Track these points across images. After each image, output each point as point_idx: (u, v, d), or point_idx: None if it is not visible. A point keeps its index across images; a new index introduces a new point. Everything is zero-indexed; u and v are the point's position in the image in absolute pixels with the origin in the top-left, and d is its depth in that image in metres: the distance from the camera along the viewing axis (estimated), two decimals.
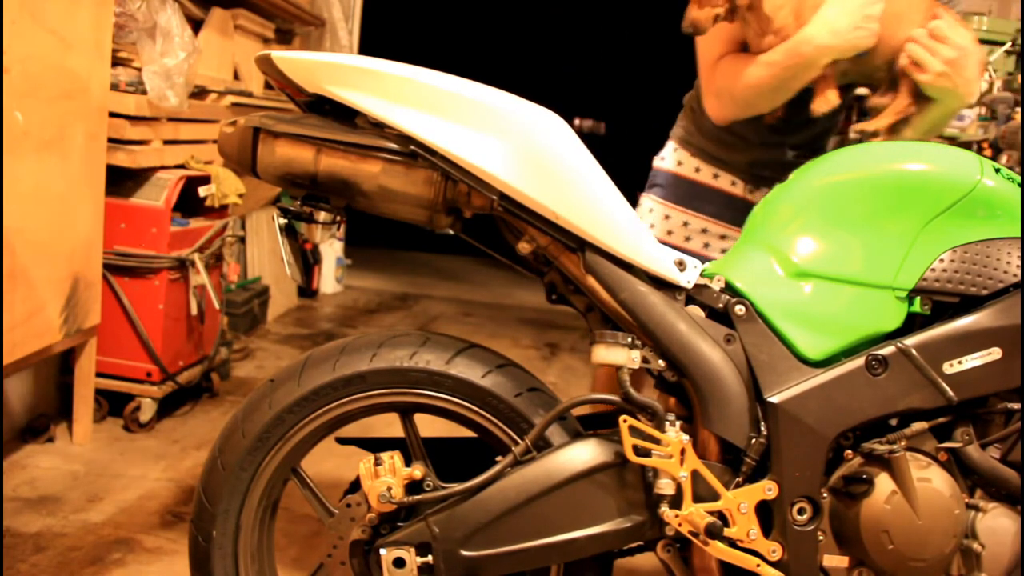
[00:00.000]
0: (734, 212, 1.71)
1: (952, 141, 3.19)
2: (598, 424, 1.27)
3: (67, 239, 2.17)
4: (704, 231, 1.75)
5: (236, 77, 3.38)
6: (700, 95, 1.66)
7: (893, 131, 1.46)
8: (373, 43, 4.34)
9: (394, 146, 1.14)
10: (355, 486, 1.23)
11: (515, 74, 3.82)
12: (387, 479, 1.18)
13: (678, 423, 1.15)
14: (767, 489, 1.14)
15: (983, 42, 3.27)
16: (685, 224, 1.75)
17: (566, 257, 1.19)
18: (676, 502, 1.14)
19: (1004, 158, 2.74)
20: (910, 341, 1.15)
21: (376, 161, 1.15)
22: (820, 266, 1.19)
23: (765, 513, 1.16)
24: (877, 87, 1.51)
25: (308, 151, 1.15)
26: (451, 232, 1.28)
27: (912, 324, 1.18)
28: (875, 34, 1.38)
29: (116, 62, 2.44)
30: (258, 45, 3.55)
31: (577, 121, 8.53)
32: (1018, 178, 1.20)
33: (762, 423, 1.16)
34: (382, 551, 1.17)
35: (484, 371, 1.22)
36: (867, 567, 1.17)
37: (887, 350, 1.15)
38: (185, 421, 2.73)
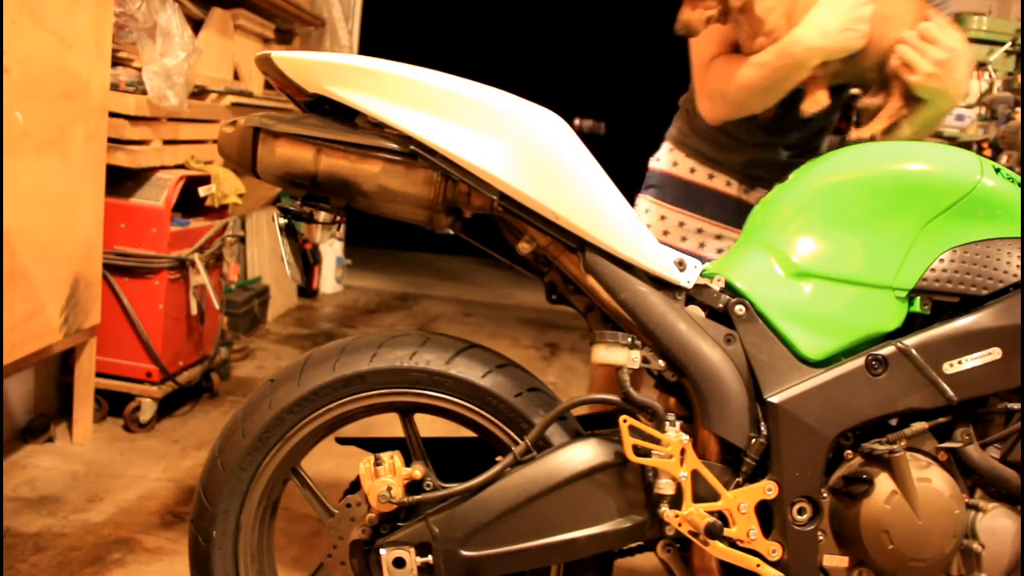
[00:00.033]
0: (729, 212, 1.72)
1: (952, 141, 3.19)
2: (598, 424, 1.27)
3: (67, 239, 2.17)
4: (700, 231, 1.76)
5: (236, 77, 3.38)
6: (694, 96, 1.66)
7: (885, 132, 1.46)
8: (373, 43, 4.34)
9: (394, 146, 1.14)
10: (355, 486, 1.23)
11: (515, 74, 3.82)
12: (387, 479, 1.18)
13: (678, 423, 1.15)
14: (767, 489, 1.14)
15: (983, 42, 3.28)
16: (681, 224, 1.76)
17: (566, 257, 1.19)
18: (676, 502, 1.14)
19: (1004, 158, 2.74)
20: (910, 341, 1.15)
21: (376, 161, 1.15)
22: (820, 266, 1.19)
23: (765, 513, 1.16)
24: (868, 88, 1.51)
25: (308, 151, 1.15)
26: (451, 232, 1.29)
27: (912, 324, 1.18)
28: (865, 36, 1.39)
29: (116, 62, 2.44)
30: (258, 45, 3.55)
31: (577, 121, 8.53)
32: (1018, 178, 1.20)
33: (762, 423, 1.16)
34: (382, 551, 1.17)
35: (484, 371, 1.22)
36: (867, 567, 1.17)
37: (887, 350, 1.15)
38: (185, 421, 2.73)
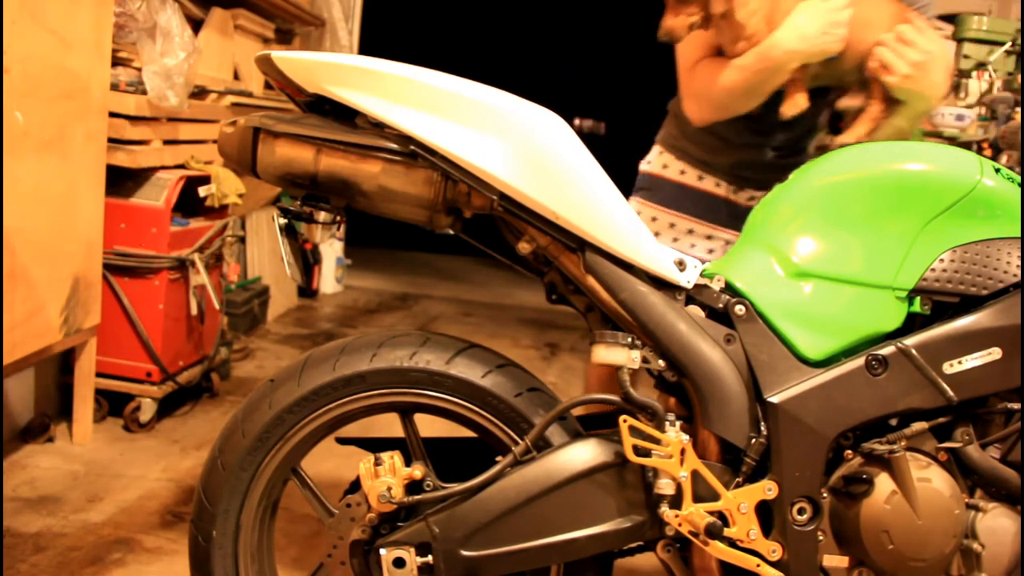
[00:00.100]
0: (719, 213, 1.75)
1: (952, 141, 3.18)
2: (598, 424, 1.27)
3: (67, 239, 2.17)
4: (690, 232, 1.78)
5: (236, 77, 3.38)
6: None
7: (867, 135, 1.48)
8: (373, 43, 4.34)
9: (394, 146, 1.14)
10: (355, 486, 1.23)
11: (515, 74, 3.82)
12: (387, 479, 1.18)
13: (678, 423, 1.15)
14: (767, 489, 1.14)
15: (983, 42, 3.28)
16: (672, 225, 1.78)
17: (566, 257, 1.19)
18: (676, 502, 1.14)
19: (1004, 158, 2.74)
20: (910, 341, 1.15)
21: (376, 161, 1.15)
22: (820, 266, 1.19)
23: (765, 513, 1.16)
24: (849, 90, 1.53)
25: (308, 151, 1.15)
26: (451, 232, 1.29)
27: (912, 324, 1.18)
28: (843, 39, 1.41)
29: (116, 62, 2.44)
30: (258, 45, 3.55)
31: (577, 121, 8.52)
32: (1018, 178, 1.20)
33: (762, 423, 1.16)
34: (382, 551, 1.17)
35: (484, 371, 1.22)
36: (867, 567, 1.17)
37: (887, 350, 1.15)
38: (185, 421, 2.73)
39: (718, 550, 1.13)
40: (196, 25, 2.95)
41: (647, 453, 1.13)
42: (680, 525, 1.13)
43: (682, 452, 1.13)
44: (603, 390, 1.80)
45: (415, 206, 1.18)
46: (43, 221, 2.05)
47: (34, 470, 2.25)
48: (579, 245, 1.17)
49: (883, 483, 1.14)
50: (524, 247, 1.20)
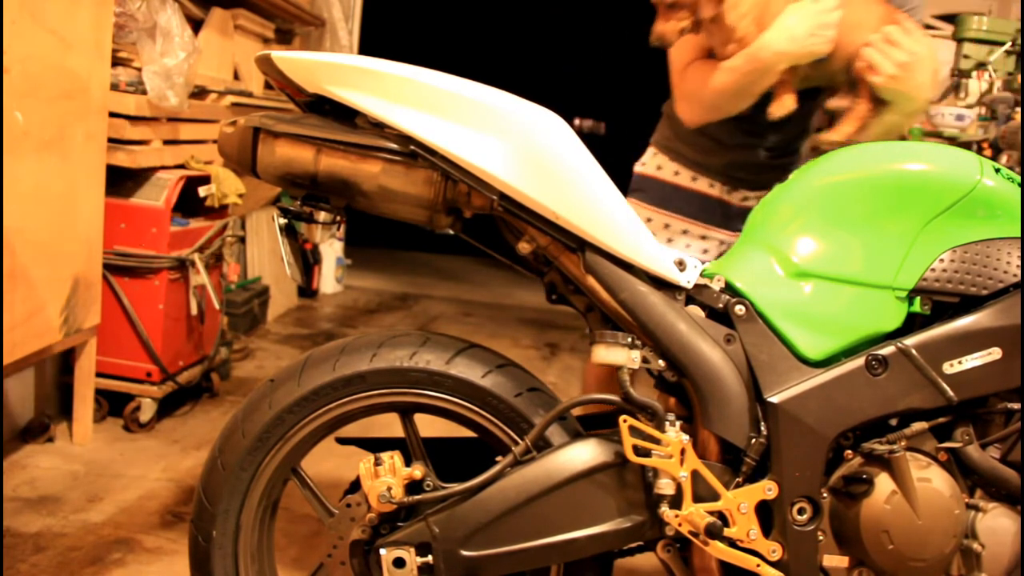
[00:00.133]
0: (713, 213, 1.77)
1: (952, 141, 3.18)
2: (598, 424, 1.27)
3: (67, 239, 2.17)
4: (685, 232, 1.79)
5: (236, 77, 3.38)
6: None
7: (854, 135, 1.50)
8: (373, 43, 4.34)
9: (394, 146, 1.14)
10: (355, 486, 1.23)
11: (515, 74, 3.82)
12: (387, 479, 1.18)
13: (678, 423, 1.15)
14: (767, 489, 1.14)
15: (983, 42, 3.28)
16: (667, 226, 1.78)
17: (566, 257, 1.19)
18: (676, 502, 1.14)
19: (1004, 158, 2.74)
20: (910, 341, 1.15)
21: (376, 161, 1.15)
22: (820, 266, 1.19)
23: (765, 513, 1.16)
24: (839, 91, 1.54)
25: (308, 151, 1.15)
26: (451, 232, 1.29)
27: (912, 324, 1.18)
28: (831, 41, 1.43)
29: (116, 62, 2.44)
30: (258, 45, 3.55)
31: (577, 121, 8.52)
32: (1018, 178, 1.20)
33: (762, 423, 1.16)
34: (382, 551, 1.17)
35: (484, 371, 1.22)
36: (867, 567, 1.17)
37: (887, 350, 1.15)
38: (185, 421, 2.73)
39: (718, 550, 1.13)
40: (196, 25, 2.95)
41: (647, 453, 1.13)
42: (680, 525, 1.13)
43: (682, 452, 1.13)
44: (601, 390, 1.81)
45: (415, 206, 1.18)
46: (43, 221, 2.05)
47: (34, 470, 2.25)
48: (579, 245, 1.17)
49: (883, 483, 1.14)
50: (524, 247, 1.20)
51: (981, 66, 3.32)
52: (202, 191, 2.74)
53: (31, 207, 1.98)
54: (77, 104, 2.13)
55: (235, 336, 3.43)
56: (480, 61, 4.71)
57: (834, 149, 1.48)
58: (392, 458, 1.20)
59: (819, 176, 1.24)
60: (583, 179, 1.14)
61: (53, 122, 2.03)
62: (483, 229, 1.28)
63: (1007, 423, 1.18)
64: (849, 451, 1.17)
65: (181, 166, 2.74)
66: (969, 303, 1.17)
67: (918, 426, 1.15)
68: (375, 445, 1.27)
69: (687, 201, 1.78)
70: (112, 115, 2.36)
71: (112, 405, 2.58)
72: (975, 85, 3.39)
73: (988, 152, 2.93)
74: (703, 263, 1.24)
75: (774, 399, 1.15)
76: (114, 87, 2.38)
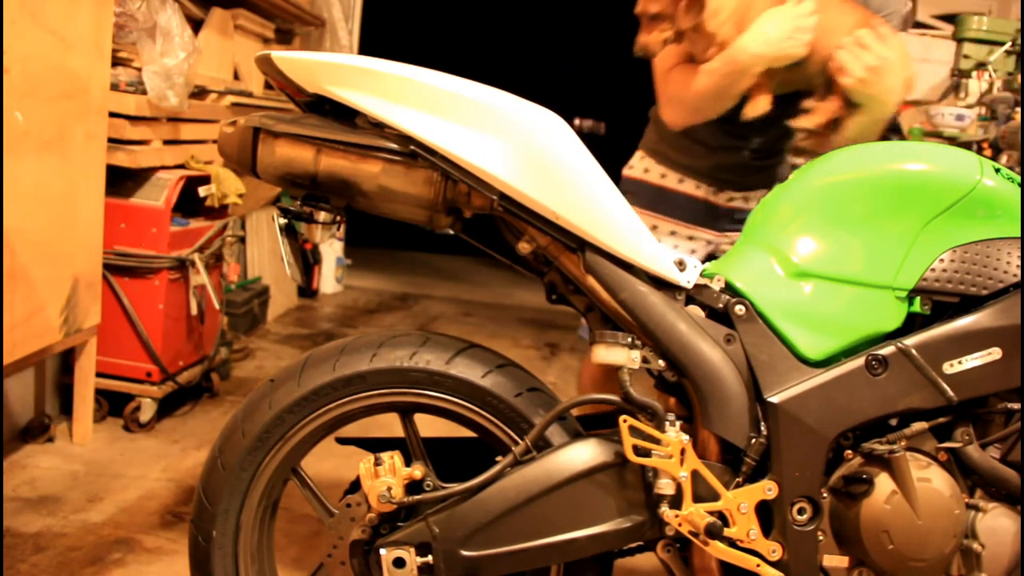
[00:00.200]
0: (699, 214, 1.81)
1: (952, 141, 3.18)
2: (598, 424, 1.27)
3: (67, 239, 2.17)
4: (673, 233, 1.82)
5: (236, 77, 3.38)
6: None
7: (826, 135, 1.54)
8: (373, 43, 4.34)
9: (394, 146, 1.14)
10: (355, 486, 1.23)
11: (515, 74, 3.82)
12: (387, 479, 1.18)
13: (678, 423, 1.15)
14: (767, 489, 1.14)
15: (983, 42, 3.28)
16: (654, 228, 1.82)
17: (566, 257, 1.19)
18: (676, 502, 1.14)
19: (1004, 158, 2.75)
20: (910, 341, 1.15)
21: (376, 161, 1.15)
22: (820, 266, 1.19)
23: (765, 513, 1.16)
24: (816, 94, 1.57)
25: (308, 151, 1.15)
26: (451, 232, 1.29)
27: (912, 324, 1.18)
28: (807, 44, 1.46)
29: (116, 62, 2.43)
30: (258, 45, 3.55)
31: (577, 121, 8.53)
32: (1018, 178, 1.20)
33: (762, 423, 1.16)
34: (382, 551, 1.17)
35: (484, 371, 1.22)
36: (867, 567, 1.17)
37: (887, 350, 1.15)
38: (185, 421, 2.73)
39: (718, 550, 1.13)
40: (196, 25, 2.95)
41: (647, 453, 1.13)
42: (680, 525, 1.13)
43: (682, 452, 1.13)
44: (597, 390, 1.83)
45: (415, 206, 1.18)
46: (43, 221, 2.05)
47: (34, 470, 2.25)
48: (579, 245, 1.17)
49: (883, 483, 1.14)
50: (524, 247, 1.20)
51: (981, 66, 3.32)
52: (202, 191, 2.74)
53: (31, 207, 1.98)
54: (77, 104, 2.13)
55: (235, 336, 3.43)
56: (480, 61, 4.71)
57: (807, 137, 1.58)
58: (392, 458, 1.20)
59: (819, 176, 1.24)
60: (583, 179, 1.14)
61: (53, 122, 2.03)
62: (483, 229, 1.28)
63: (1007, 423, 1.18)
64: (849, 451, 1.17)
65: (181, 166, 2.74)
66: (969, 303, 1.17)
67: (918, 426, 1.15)
68: (375, 445, 1.27)
69: (674, 203, 1.81)
70: (112, 115, 2.36)
71: (112, 405, 2.58)
72: (975, 85, 3.39)
73: (988, 152, 2.93)
74: (708, 263, 1.24)
75: (774, 399, 1.15)
76: (114, 87, 2.38)
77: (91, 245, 2.29)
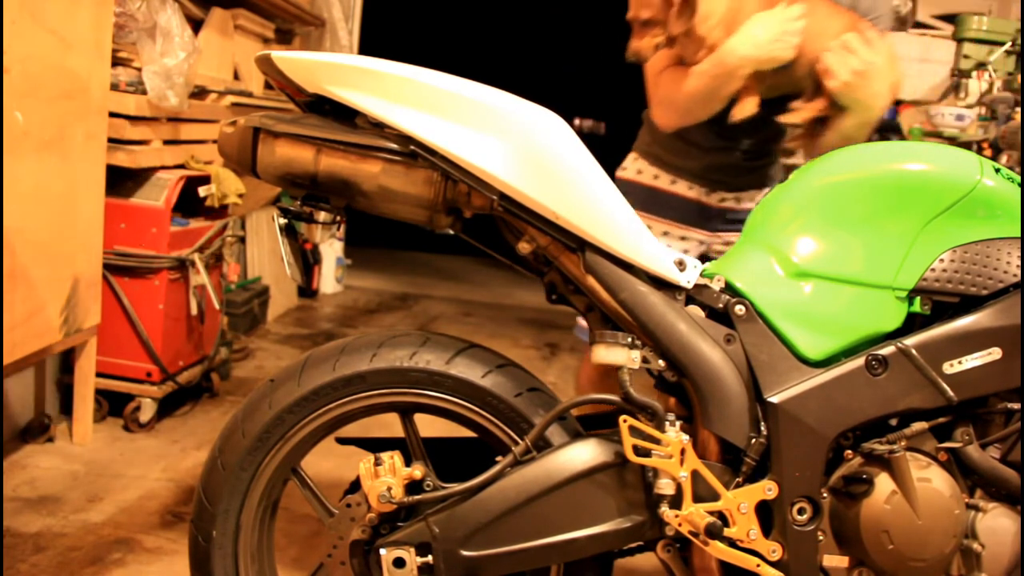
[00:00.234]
0: (691, 215, 1.82)
1: (952, 141, 3.18)
2: (598, 424, 1.27)
3: (67, 239, 2.17)
4: (665, 234, 1.83)
5: (236, 77, 3.38)
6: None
7: (814, 136, 1.57)
8: (373, 43, 4.34)
9: (394, 146, 1.14)
10: (355, 486, 1.23)
11: (515, 74, 3.82)
12: (387, 479, 1.18)
13: (678, 423, 1.15)
14: (767, 489, 1.14)
15: (983, 42, 3.28)
16: (647, 228, 1.81)
17: (566, 257, 1.19)
18: (676, 502, 1.14)
19: (1004, 158, 2.75)
20: (910, 341, 1.15)
21: (376, 161, 1.15)
22: (820, 266, 1.19)
23: (765, 513, 1.16)
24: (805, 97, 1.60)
25: (308, 151, 1.15)
26: (451, 232, 1.29)
27: (912, 324, 1.18)
28: (794, 48, 1.48)
29: (116, 62, 2.44)
30: (258, 45, 3.55)
31: (577, 121, 8.52)
32: (1018, 178, 1.20)
33: (762, 423, 1.16)
34: (382, 551, 1.17)
35: (484, 371, 1.22)
36: (867, 567, 1.17)
37: (887, 350, 1.15)
38: (185, 421, 2.73)
39: (718, 550, 1.13)
40: (196, 25, 2.95)
41: (647, 453, 1.13)
42: (680, 525, 1.13)
43: (682, 452, 1.13)
44: (594, 390, 1.83)
45: (415, 206, 1.18)
46: (43, 221, 2.05)
47: (34, 470, 2.25)
48: (579, 245, 1.17)
49: (883, 483, 1.14)
50: (524, 247, 1.20)
51: (981, 66, 3.32)
52: (202, 191, 2.74)
53: (31, 207, 1.98)
54: (77, 104, 2.13)
55: (235, 336, 3.43)
56: (480, 61, 4.71)
57: (796, 137, 1.62)
58: (392, 458, 1.20)
59: (819, 176, 1.24)
60: (583, 179, 1.14)
61: (53, 122, 2.03)
62: (483, 229, 1.28)
63: (1007, 423, 1.18)
64: (849, 451, 1.17)
65: (181, 166, 2.74)
66: (969, 303, 1.17)
67: (918, 426, 1.15)
68: (375, 445, 1.27)
69: (667, 204, 1.83)
70: (112, 115, 2.36)
71: (112, 405, 2.58)
72: (975, 85, 3.39)
73: (988, 152, 2.93)
74: (708, 263, 1.24)
75: (774, 399, 1.15)
76: (114, 87, 2.38)
77: (91, 245, 2.29)
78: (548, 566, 1.24)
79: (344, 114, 1.17)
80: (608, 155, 1.90)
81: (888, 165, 1.21)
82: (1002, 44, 3.29)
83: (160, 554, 1.91)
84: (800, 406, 1.14)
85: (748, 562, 1.14)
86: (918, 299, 1.18)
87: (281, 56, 1.16)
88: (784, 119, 1.57)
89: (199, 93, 2.91)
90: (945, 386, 1.14)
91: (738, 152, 1.76)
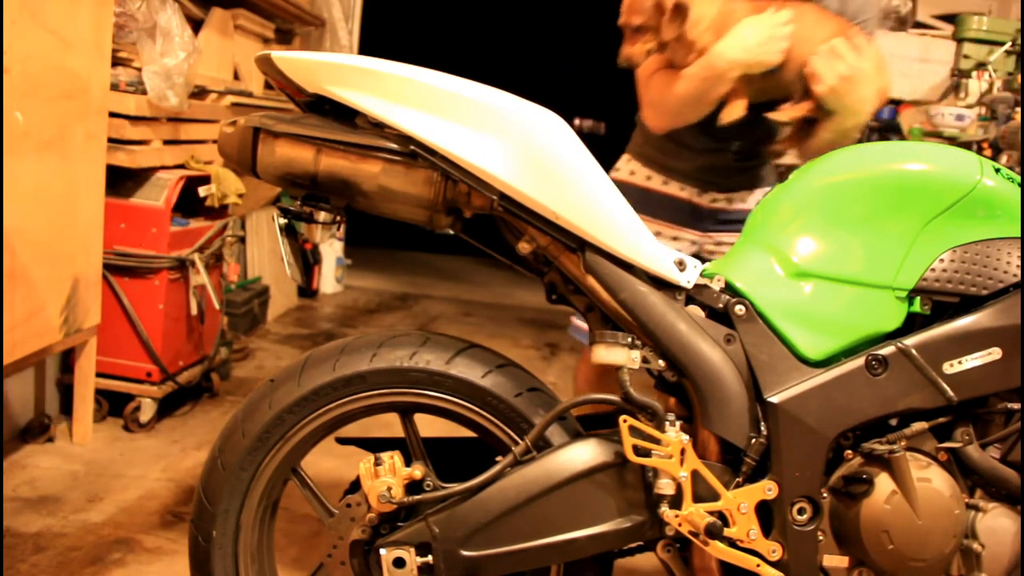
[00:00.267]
0: (683, 215, 1.83)
1: (952, 141, 3.18)
2: (598, 424, 1.27)
3: (67, 239, 2.17)
4: (658, 234, 1.84)
5: (236, 77, 3.38)
6: None
7: (802, 137, 1.59)
8: (373, 43, 4.34)
9: (394, 146, 1.14)
10: (355, 486, 1.23)
11: (515, 74, 3.82)
12: (387, 479, 1.18)
13: (678, 423, 1.15)
14: (767, 489, 1.14)
15: (983, 42, 3.28)
16: None
17: (566, 257, 1.19)
18: (676, 502, 1.14)
19: (1004, 158, 2.74)
20: (910, 341, 1.15)
21: (376, 161, 1.15)
22: (820, 266, 1.19)
23: (765, 513, 1.16)
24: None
25: (308, 151, 1.15)
26: (451, 232, 1.29)
27: (912, 324, 1.18)
28: (782, 52, 1.50)
29: (116, 62, 2.44)
30: (258, 45, 3.55)
31: (577, 121, 8.52)
32: (1018, 178, 1.20)
33: (762, 423, 1.16)
34: (382, 551, 1.17)
35: (484, 371, 1.22)
36: (867, 567, 1.17)
37: (887, 350, 1.15)
38: (185, 421, 2.73)
39: (718, 550, 1.13)
40: (196, 25, 2.95)
41: (647, 453, 1.13)
42: (680, 525, 1.13)
43: (682, 452, 1.13)
44: (592, 390, 1.83)
45: (415, 206, 1.18)
46: (43, 221, 2.05)
47: (34, 470, 2.25)
48: (579, 245, 1.17)
49: (883, 483, 1.14)
50: (524, 247, 1.20)
51: (981, 66, 3.32)
52: (202, 191, 2.74)
53: (31, 207, 1.98)
54: (77, 104, 2.13)
55: (235, 336, 3.43)
56: (480, 61, 4.71)
57: (785, 139, 1.65)
58: (392, 458, 1.20)
59: (819, 176, 1.24)
60: (583, 179, 1.14)
61: (53, 122, 2.03)
62: (483, 229, 1.28)
63: (1007, 423, 1.18)
64: (849, 451, 1.17)
65: (181, 166, 2.74)
66: (969, 303, 1.17)
67: (918, 426, 1.15)
68: (375, 445, 1.27)
69: (659, 204, 1.84)
70: (112, 115, 2.36)
71: (112, 405, 2.58)
72: (975, 85, 3.39)
73: (988, 152, 2.93)
74: (708, 263, 1.24)
75: (774, 399, 1.15)
76: (114, 87, 2.38)
77: (91, 245, 2.29)
78: (548, 566, 1.24)
79: (344, 114, 1.17)
80: (608, 155, 1.91)
81: (888, 165, 1.21)
82: (1002, 44, 3.29)
83: (160, 554, 1.91)
84: (800, 406, 1.14)
85: (748, 562, 1.14)
86: (918, 299, 1.18)
87: (281, 56, 1.16)
88: (772, 116, 1.59)
89: (199, 93, 2.91)
90: (945, 386, 1.14)
91: (729, 153, 1.77)
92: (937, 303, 1.18)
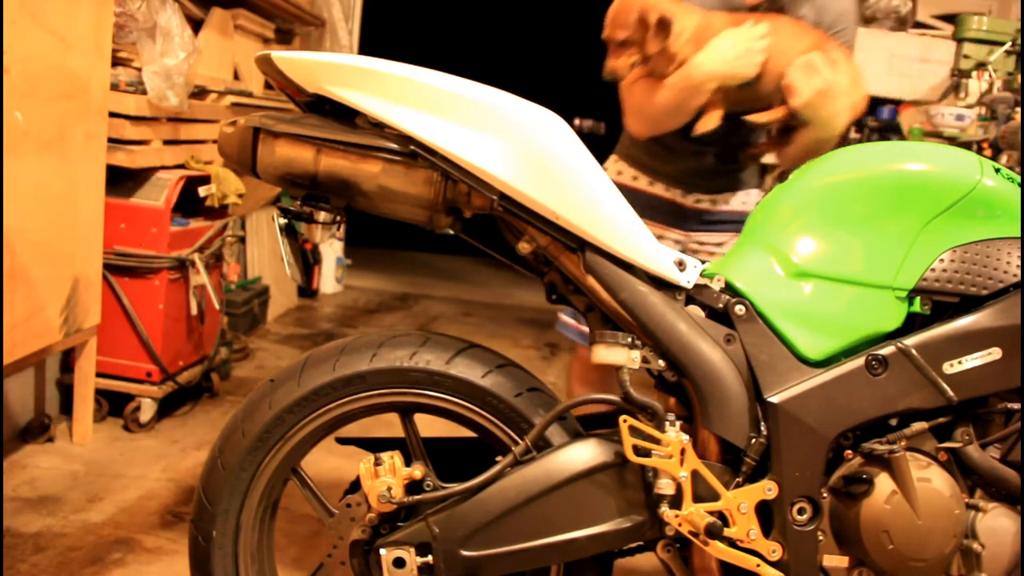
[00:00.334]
0: (668, 215, 1.86)
1: (952, 141, 3.18)
2: (598, 424, 1.27)
3: (67, 239, 2.17)
4: None
5: (236, 77, 3.38)
6: None
7: (779, 144, 1.64)
8: (373, 43, 4.34)
9: (394, 146, 1.14)
10: (355, 486, 1.23)
11: (515, 74, 3.82)
12: (387, 479, 1.18)
13: (678, 423, 1.15)
14: (767, 489, 1.14)
15: (983, 42, 3.28)
16: None
17: (566, 257, 1.19)
18: (676, 502, 1.14)
19: (1004, 158, 2.74)
20: (910, 341, 1.15)
21: (376, 161, 1.15)
22: (820, 266, 1.19)
23: (765, 513, 1.16)
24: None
25: (308, 151, 1.15)
26: (451, 232, 1.29)
27: (912, 324, 1.18)
28: (758, 65, 1.53)
29: (116, 62, 2.44)
30: (258, 45, 3.55)
31: (577, 121, 8.52)
32: (1018, 178, 1.20)
33: (762, 423, 1.16)
34: (382, 551, 1.17)
35: (484, 371, 1.22)
36: (867, 567, 1.17)
37: (887, 350, 1.15)
38: (185, 421, 2.73)
39: (718, 550, 1.13)
40: (196, 25, 2.95)
41: (647, 453, 1.13)
42: (680, 525, 1.13)
43: (682, 452, 1.13)
44: (586, 387, 1.84)
45: (415, 206, 1.18)
46: (43, 221, 2.05)
47: (34, 470, 2.25)
48: (579, 245, 1.17)
49: (883, 483, 1.14)
50: (524, 247, 1.20)
51: (981, 66, 3.32)
52: (202, 191, 2.74)
53: (31, 207, 1.98)
54: (77, 104, 2.13)
55: (235, 336, 3.43)
56: (480, 61, 4.71)
57: (763, 144, 1.71)
58: (392, 458, 1.20)
59: (819, 176, 1.24)
60: (583, 179, 1.14)
61: (53, 122, 2.03)
62: (483, 229, 1.28)
63: (1007, 423, 1.18)
64: (849, 451, 1.17)
65: (181, 166, 2.74)
66: (969, 303, 1.17)
67: (918, 426, 1.15)
68: (375, 445, 1.27)
69: (644, 204, 1.85)
70: (112, 115, 2.36)
71: (112, 405, 2.58)
72: (975, 85, 3.39)
73: (988, 152, 2.93)
74: (708, 263, 1.24)
75: (774, 399, 1.15)
76: (114, 87, 2.38)
77: (91, 245, 2.29)
78: (548, 566, 1.24)
79: (344, 114, 1.17)
80: (608, 155, 1.92)
81: (888, 165, 1.21)
82: (1002, 44, 3.29)
83: (160, 554, 1.91)
84: (800, 406, 1.14)
85: (748, 562, 1.14)
86: (918, 299, 1.18)
87: (281, 56, 1.16)
88: (750, 119, 1.61)
89: (199, 93, 2.91)
90: (945, 386, 1.14)
91: (711, 157, 1.81)
92: (937, 303, 1.18)
